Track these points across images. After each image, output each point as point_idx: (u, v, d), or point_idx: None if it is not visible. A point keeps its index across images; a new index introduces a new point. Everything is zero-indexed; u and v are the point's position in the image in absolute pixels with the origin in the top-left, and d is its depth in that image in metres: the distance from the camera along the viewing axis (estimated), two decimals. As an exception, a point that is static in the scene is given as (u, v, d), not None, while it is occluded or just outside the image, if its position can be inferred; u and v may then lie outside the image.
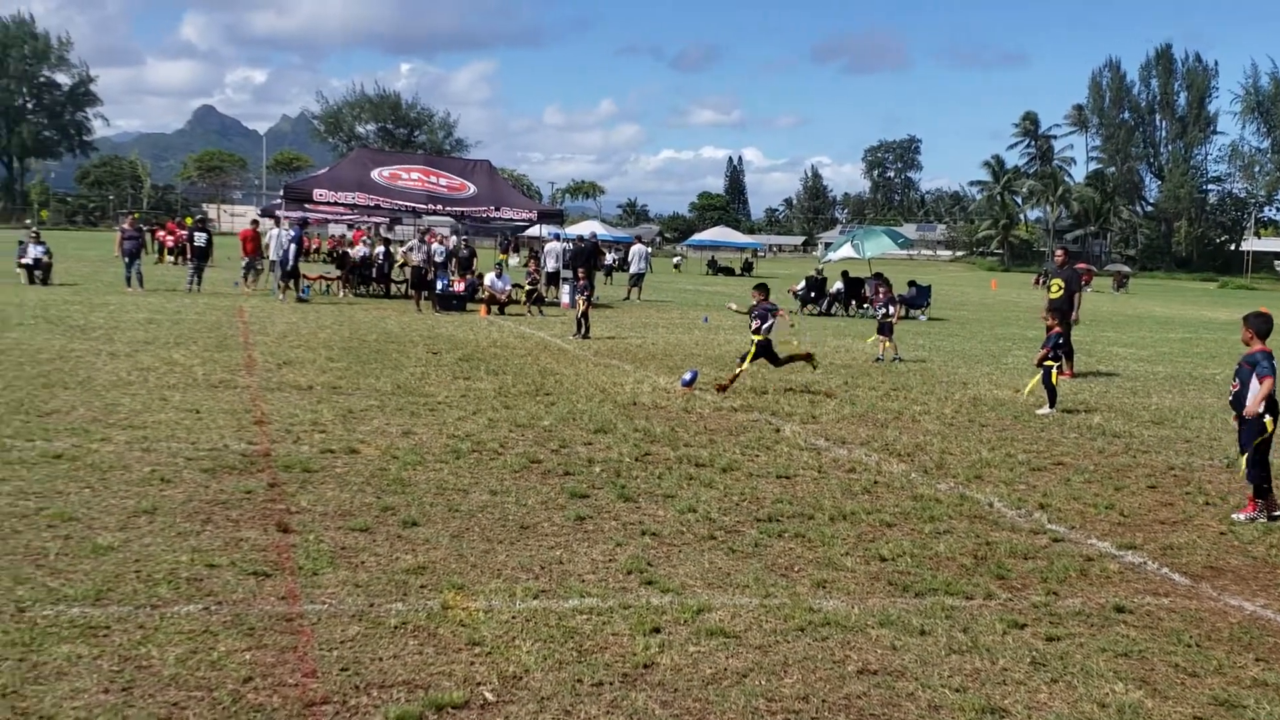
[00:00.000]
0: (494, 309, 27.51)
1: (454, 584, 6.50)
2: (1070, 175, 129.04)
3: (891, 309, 20.62)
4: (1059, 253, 21.18)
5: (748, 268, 75.71)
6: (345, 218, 45.39)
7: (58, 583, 6.15)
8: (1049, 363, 14.46)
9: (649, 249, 46.88)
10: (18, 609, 5.72)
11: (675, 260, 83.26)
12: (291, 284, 28.62)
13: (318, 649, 5.44)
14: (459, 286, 29.23)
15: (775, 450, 11.10)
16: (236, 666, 5.17)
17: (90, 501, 7.88)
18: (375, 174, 31.75)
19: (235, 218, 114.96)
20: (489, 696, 5.03)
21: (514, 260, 50.85)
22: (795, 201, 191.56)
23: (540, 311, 27.91)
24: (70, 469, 8.80)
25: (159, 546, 6.90)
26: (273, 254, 29.01)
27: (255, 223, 31.65)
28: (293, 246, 28.56)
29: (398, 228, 49.60)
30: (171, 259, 45.04)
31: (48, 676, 4.95)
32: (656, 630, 5.95)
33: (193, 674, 5.06)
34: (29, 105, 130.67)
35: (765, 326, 15.07)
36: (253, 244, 30.80)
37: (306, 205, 32.04)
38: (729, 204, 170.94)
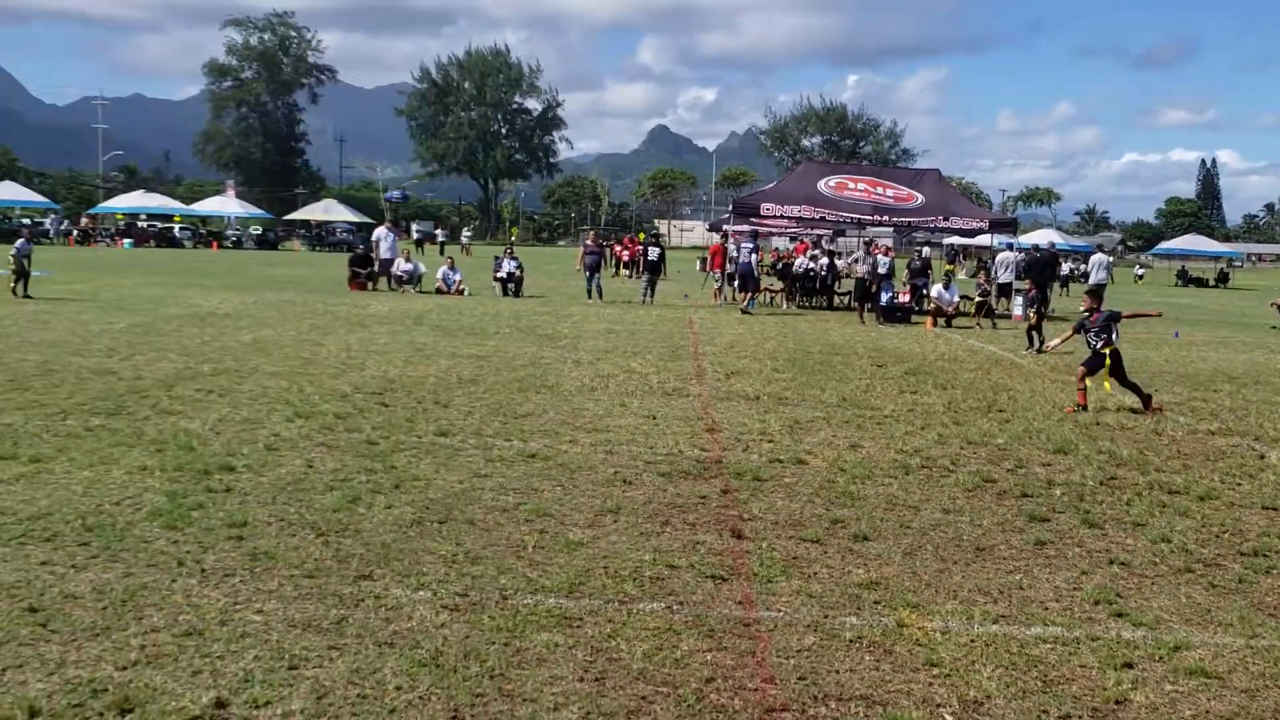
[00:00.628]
0: (941, 321, 26.97)
1: (908, 602, 6.38)
2: None
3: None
4: None
5: (1223, 279, 69.71)
6: (790, 230, 46.09)
7: (535, 574, 6.60)
8: None
9: (1110, 258, 44.34)
10: (501, 596, 6.19)
11: (1137, 270, 78.21)
12: (741, 295, 29.37)
13: (775, 655, 5.51)
14: (904, 298, 28.90)
15: (1260, 479, 10.09)
16: (699, 666, 5.33)
17: (562, 499, 8.42)
18: (821, 186, 32.04)
19: (684, 233, 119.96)
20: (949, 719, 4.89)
21: (962, 271, 49.70)
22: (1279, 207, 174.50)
23: (992, 324, 27.05)
24: (543, 468, 9.44)
25: (624, 545, 7.26)
26: (731, 266, 29.91)
27: (724, 236, 32.75)
28: (753, 258, 29.31)
29: (840, 239, 49.87)
30: (626, 273, 47.61)
31: (529, 661, 5.31)
32: (1129, 665, 5.56)
33: (659, 670, 5.27)
34: (503, 130, 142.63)
35: (1115, 338, 13.97)
36: (722, 258, 31.99)
37: (753, 219, 32.82)
38: (1201, 210, 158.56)
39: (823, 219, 32.63)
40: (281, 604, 5.93)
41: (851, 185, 32.35)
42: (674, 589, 6.44)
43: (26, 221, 62.48)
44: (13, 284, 24.97)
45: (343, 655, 5.29)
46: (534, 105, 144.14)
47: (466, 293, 31.38)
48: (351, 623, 5.70)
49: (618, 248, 52.26)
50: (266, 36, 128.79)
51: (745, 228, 32.38)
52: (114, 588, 6.04)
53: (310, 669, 5.12)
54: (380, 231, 34.24)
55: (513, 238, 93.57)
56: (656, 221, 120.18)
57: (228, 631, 5.50)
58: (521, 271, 32.91)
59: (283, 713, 4.68)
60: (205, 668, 5.07)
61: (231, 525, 7.28)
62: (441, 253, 56.93)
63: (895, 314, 27.73)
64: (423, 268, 33.75)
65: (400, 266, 32.67)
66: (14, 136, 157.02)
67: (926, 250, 36.50)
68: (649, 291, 31.43)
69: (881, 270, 28.37)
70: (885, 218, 31.89)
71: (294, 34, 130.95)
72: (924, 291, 29.58)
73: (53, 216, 74.97)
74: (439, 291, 31.47)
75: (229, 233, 78.45)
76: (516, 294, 31.87)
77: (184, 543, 6.90)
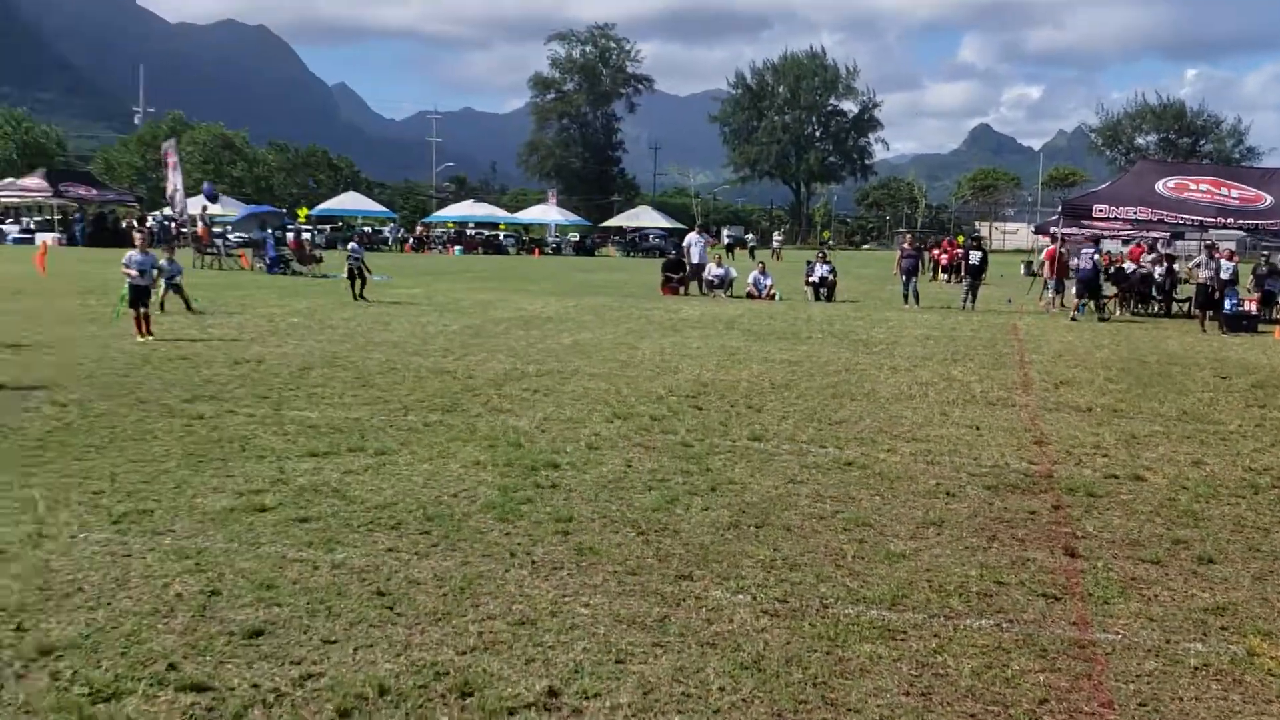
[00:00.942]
0: (1292, 331, 24.89)
1: (1260, 629, 5.91)
2: None
3: None
4: None
5: None
6: (1123, 233, 43.69)
7: (856, 584, 6.50)
8: None
9: None
10: (821, 604, 6.13)
11: None
12: (1079, 301, 28.08)
13: (1113, 680, 5.22)
14: (1251, 305, 26.85)
15: None
16: (1031, 687, 5.11)
17: (880, 509, 8.27)
18: (1159, 186, 30.19)
19: (1007, 235, 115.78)
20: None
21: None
22: None
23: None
24: (860, 476, 9.30)
25: (947, 558, 7.05)
26: (1075, 272, 28.70)
27: (1058, 240, 31.44)
28: (1095, 260, 28.02)
29: (1178, 243, 46.94)
30: (945, 277, 46.41)
31: (852, 672, 5.23)
32: None
33: (988, 688, 5.08)
34: (817, 133, 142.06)
35: None
36: (1057, 263, 30.76)
37: (1084, 221, 31.29)
38: None
39: (1160, 221, 30.67)
40: (607, 599, 6.09)
41: (1192, 185, 30.28)
42: (1003, 606, 6.20)
43: (367, 229, 67.35)
44: (351, 287, 26.73)
45: (666, 653, 5.37)
46: (849, 107, 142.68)
47: (778, 297, 31.42)
48: (674, 621, 5.79)
49: (935, 251, 51.03)
50: (588, 49, 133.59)
51: (1075, 230, 30.86)
52: (453, 575, 6.37)
53: (636, 664, 5.23)
54: (691, 237, 34.78)
55: (826, 240, 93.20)
56: (977, 224, 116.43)
57: (558, 623, 5.70)
58: (834, 275, 32.66)
59: (611, 705, 4.80)
60: (538, 656, 5.27)
61: (558, 520, 7.56)
62: (752, 257, 57.31)
63: (1240, 323, 25.79)
64: (734, 272, 34.02)
65: (711, 271, 33.08)
66: (356, 149, 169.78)
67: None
68: (970, 296, 30.51)
69: (1225, 275, 26.44)
70: (1230, 220, 29.70)
71: (614, 45, 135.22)
72: (1276, 299, 27.38)
73: (391, 225, 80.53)
74: (750, 296, 31.67)
75: (549, 239, 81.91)
76: (829, 299, 31.65)
77: (515, 535, 7.21)
